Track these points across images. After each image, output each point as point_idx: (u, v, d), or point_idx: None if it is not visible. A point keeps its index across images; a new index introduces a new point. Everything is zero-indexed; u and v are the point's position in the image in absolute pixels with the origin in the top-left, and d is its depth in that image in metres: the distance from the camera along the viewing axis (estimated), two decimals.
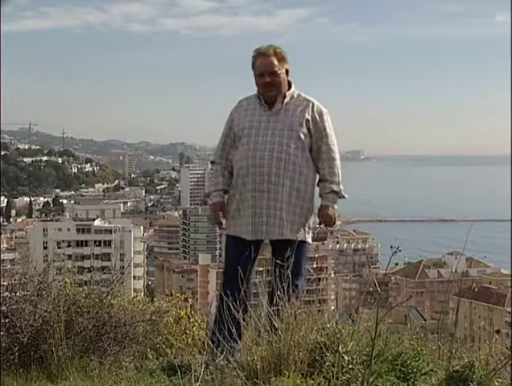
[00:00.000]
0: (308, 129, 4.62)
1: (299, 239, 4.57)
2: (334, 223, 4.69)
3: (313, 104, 4.66)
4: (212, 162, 4.88)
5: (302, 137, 4.60)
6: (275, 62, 4.61)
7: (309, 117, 4.62)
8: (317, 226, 4.70)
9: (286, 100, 4.64)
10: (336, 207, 4.68)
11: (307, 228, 4.65)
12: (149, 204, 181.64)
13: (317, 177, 4.70)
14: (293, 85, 4.71)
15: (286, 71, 4.66)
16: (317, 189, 4.73)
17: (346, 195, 4.70)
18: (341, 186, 4.69)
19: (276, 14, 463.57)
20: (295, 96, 4.68)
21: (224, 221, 4.73)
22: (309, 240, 4.66)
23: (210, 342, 4.32)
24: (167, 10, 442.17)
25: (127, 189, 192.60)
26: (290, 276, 4.13)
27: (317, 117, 4.64)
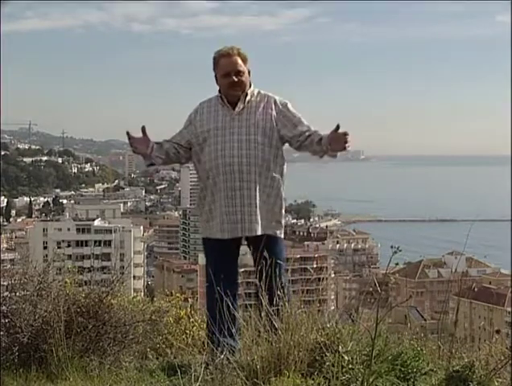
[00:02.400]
0: (276, 123, 4.62)
1: (273, 234, 4.60)
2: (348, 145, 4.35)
3: (275, 99, 4.68)
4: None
5: (268, 131, 4.59)
6: (240, 62, 4.62)
7: (274, 112, 4.63)
8: (327, 147, 4.34)
9: (248, 98, 4.64)
10: None
11: (279, 223, 4.67)
12: (149, 204, 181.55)
13: (285, 170, 4.70)
14: (252, 85, 4.70)
15: (249, 72, 4.68)
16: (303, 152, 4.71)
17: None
18: None
19: (277, 14, 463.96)
20: (255, 93, 4.69)
21: (148, 150, 4.57)
22: (282, 235, 4.67)
23: (209, 342, 4.35)
24: (167, 10, 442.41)
25: (127, 189, 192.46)
26: (272, 273, 4.16)
27: (283, 109, 4.65)
